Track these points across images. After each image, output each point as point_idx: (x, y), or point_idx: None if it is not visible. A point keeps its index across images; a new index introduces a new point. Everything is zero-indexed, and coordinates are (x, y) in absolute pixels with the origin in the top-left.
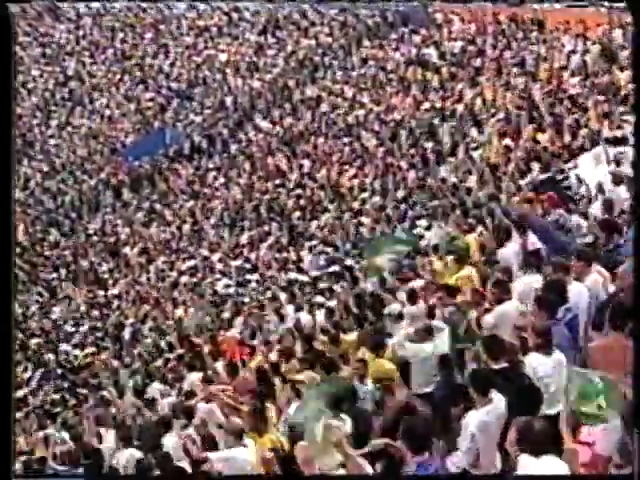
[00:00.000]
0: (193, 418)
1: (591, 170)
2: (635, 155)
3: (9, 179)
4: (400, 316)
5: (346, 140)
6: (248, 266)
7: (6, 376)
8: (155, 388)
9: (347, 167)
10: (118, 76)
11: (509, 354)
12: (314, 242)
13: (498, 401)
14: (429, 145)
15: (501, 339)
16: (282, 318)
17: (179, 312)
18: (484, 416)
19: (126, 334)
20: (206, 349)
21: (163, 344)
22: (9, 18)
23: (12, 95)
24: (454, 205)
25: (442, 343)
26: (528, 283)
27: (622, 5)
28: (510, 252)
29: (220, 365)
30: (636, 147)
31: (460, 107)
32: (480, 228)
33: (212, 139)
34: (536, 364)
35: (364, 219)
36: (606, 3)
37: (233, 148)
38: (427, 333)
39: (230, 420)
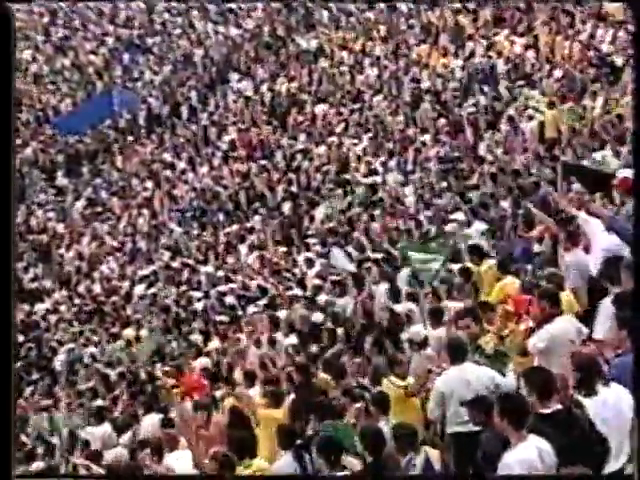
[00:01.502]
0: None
1: None
2: (635, 154)
3: (9, 180)
4: (425, 342)
5: (353, 107)
6: (223, 273)
7: (6, 377)
8: (98, 434)
9: (354, 142)
10: (46, 19)
11: (562, 392)
12: (311, 241)
13: (536, 440)
14: (462, 114)
15: (549, 372)
16: (269, 342)
17: (131, 333)
18: (525, 454)
19: (58, 363)
20: (169, 383)
21: (112, 376)
22: (9, 18)
23: (12, 95)
24: (493, 193)
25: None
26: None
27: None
28: (578, 259)
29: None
30: (636, 146)
31: (502, 62)
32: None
33: (176, 105)
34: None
35: (375, 211)
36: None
37: (203, 117)
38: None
39: None
